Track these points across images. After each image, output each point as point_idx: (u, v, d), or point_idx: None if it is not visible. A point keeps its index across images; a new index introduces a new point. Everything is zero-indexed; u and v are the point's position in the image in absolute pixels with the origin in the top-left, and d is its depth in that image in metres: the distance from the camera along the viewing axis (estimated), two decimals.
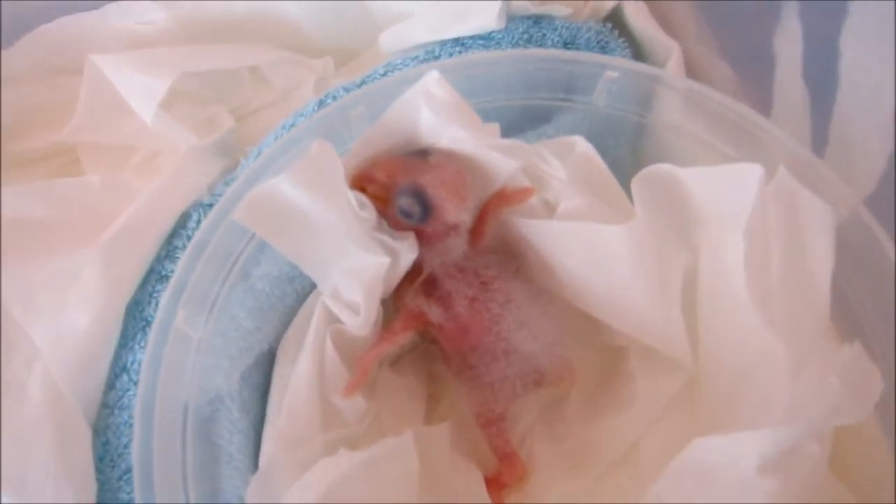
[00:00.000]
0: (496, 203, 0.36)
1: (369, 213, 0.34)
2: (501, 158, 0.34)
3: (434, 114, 0.33)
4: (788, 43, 0.37)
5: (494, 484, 0.36)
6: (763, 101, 0.39)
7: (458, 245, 0.35)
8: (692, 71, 0.44)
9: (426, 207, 0.33)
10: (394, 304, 0.38)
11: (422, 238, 0.35)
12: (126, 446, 0.37)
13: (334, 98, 0.41)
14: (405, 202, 0.33)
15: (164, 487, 0.30)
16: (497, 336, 0.35)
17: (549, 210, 0.37)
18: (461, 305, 0.35)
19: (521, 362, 0.35)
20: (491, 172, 0.35)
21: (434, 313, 0.35)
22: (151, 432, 0.31)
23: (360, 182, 0.34)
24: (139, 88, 0.42)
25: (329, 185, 0.32)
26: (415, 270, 0.36)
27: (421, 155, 0.35)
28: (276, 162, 0.35)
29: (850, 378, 0.28)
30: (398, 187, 0.34)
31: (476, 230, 0.36)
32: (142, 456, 0.31)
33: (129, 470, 0.36)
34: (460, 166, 0.35)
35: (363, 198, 0.34)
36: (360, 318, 0.34)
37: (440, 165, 0.34)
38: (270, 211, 0.32)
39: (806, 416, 0.28)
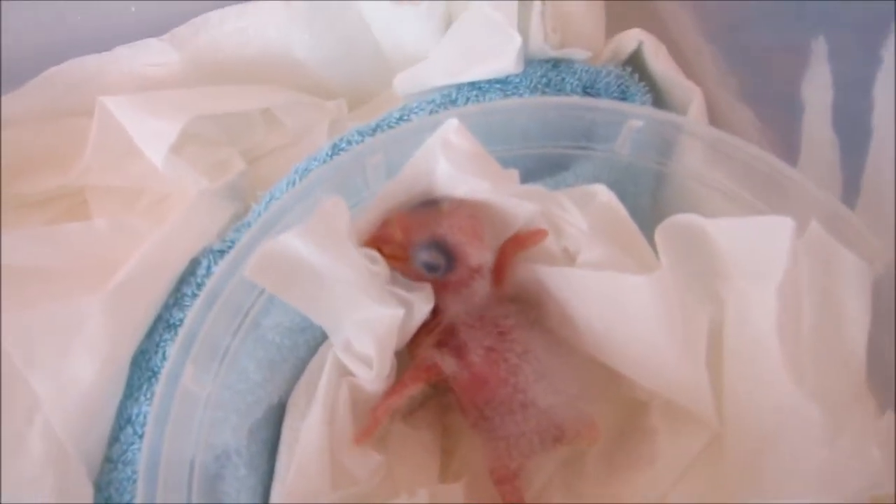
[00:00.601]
0: (512, 247, 0.36)
1: (382, 267, 0.33)
2: (518, 203, 0.34)
3: (451, 164, 0.33)
4: (817, 89, 0.36)
5: None
6: (789, 149, 0.38)
7: (482, 287, 0.34)
8: (713, 115, 0.43)
9: (450, 257, 0.33)
10: (409, 354, 0.37)
11: (445, 287, 0.34)
12: (129, 503, 0.35)
13: (348, 142, 0.41)
14: (428, 255, 0.33)
15: None
16: (514, 388, 0.34)
17: (569, 259, 0.36)
18: (477, 355, 0.34)
19: (539, 416, 0.34)
20: (508, 217, 0.34)
21: (447, 364, 0.34)
22: (155, 491, 0.30)
23: (376, 243, 0.34)
24: (150, 132, 0.42)
25: (340, 241, 0.32)
26: (433, 320, 0.35)
27: (431, 205, 0.34)
28: (290, 212, 0.34)
29: (889, 448, 0.26)
30: (416, 243, 0.33)
31: (495, 277, 0.35)
32: None
33: None
34: (473, 209, 0.34)
35: (375, 254, 0.33)
36: (373, 372, 0.33)
37: (453, 212, 0.34)
38: (282, 267, 0.31)
39: (844, 487, 0.27)
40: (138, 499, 0.30)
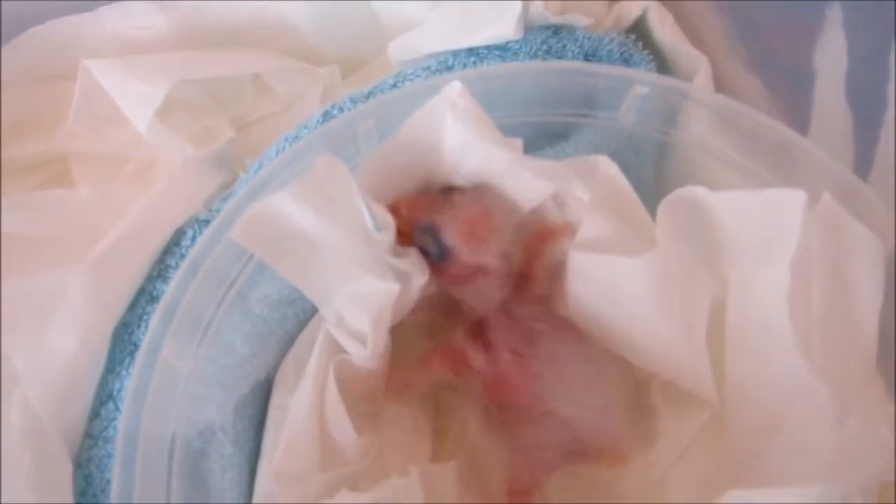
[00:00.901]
0: (538, 243, 0.34)
1: (388, 234, 0.32)
2: (533, 181, 0.32)
3: (463, 127, 0.31)
4: (831, 58, 0.34)
5: None
6: (799, 120, 0.37)
7: (489, 288, 0.33)
8: (720, 85, 0.42)
9: (441, 247, 0.32)
10: (443, 330, 0.36)
11: (451, 278, 0.33)
12: (110, 481, 0.34)
13: (340, 109, 0.39)
14: (421, 239, 0.32)
15: None
16: (535, 397, 0.33)
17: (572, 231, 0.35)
18: (504, 356, 0.33)
19: (559, 429, 0.33)
20: (520, 196, 0.33)
21: (477, 359, 0.33)
22: (134, 468, 0.29)
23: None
24: (134, 96, 0.40)
25: (338, 203, 0.30)
26: (462, 309, 0.34)
27: (446, 192, 0.33)
28: (278, 178, 0.32)
29: None
30: (416, 224, 0.32)
31: (526, 275, 0.34)
32: (123, 494, 0.29)
33: None
34: (486, 205, 0.33)
35: (388, 218, 0.32)
36: (367, 349, 0.32)
37: (461, 204, 0.33)
38: (272, 231, 0.30)
39: (853, 470, 0.26)
40: (115, 475, 0.29)
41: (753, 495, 0.27)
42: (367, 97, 0.39)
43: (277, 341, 0.35)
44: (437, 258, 0.32)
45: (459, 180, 0.33)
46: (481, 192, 0.33)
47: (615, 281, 0.33)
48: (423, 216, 0.32)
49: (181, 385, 0.31)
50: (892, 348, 0.30)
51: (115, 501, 0.29)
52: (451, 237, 0.32)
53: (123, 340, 0.37)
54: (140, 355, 0.29)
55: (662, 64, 0.44)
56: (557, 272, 0.34)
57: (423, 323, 0.37)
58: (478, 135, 0.31)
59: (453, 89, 0.31)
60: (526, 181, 0.32)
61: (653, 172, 0.40)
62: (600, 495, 0.35)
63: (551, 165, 0.33)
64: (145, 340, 0.30)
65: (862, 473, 0.26)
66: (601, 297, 0.33)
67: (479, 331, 0.34)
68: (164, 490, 0.30)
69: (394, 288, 0.31)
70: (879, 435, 0.26)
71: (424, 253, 0.32)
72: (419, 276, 0.32)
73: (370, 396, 0.35)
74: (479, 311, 0.34)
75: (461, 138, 0.32)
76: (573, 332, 0.34)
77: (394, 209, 0.32)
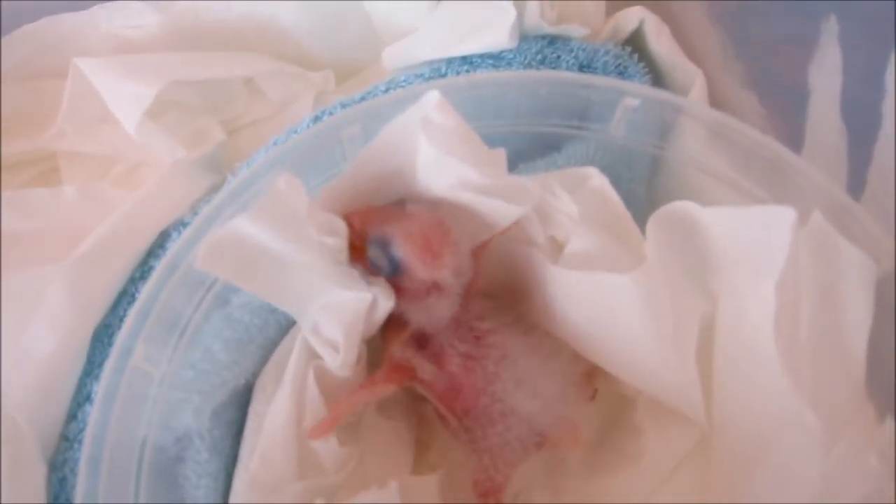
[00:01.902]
0: (483, 245, 0.33)
1: (340, 240, 0.31)
2: (504, 206, 0.31)
3: (433, 145, 0.30)
4: (826, 74, 0.34)
5: None
6: (793, 137, 0.36)
7: (441, 308, 0.32)
8: (716, 101, 0.41)
9: (394, 261, 0.30)
10: (381, 349, 0.34)
11: (402, 293, 0.32)
12: None
13: (330, 114, 0.39)
14: (373, 253, 0.30)
15: None
16: (492, 397, 0.32)
17: (557, 249, 0.34)
18: (454, 363, 0.32)
19: (520, 425, 0.32)
20: (490, 219, 0.32)
21: (426, 370, 0.32)
22: (100, 470, 0.29)
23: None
24: (124, 95, 0.40)
25: (296, 222, 0.29)
26: (404, 323, 0.33)
27: (400, 204, 0.32)
28: (257, 182, 0.32)
29: (889, 457, 0.25)
30: (369, 236, 0.31)
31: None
32: (88, 496, 0.28)
33: None
34: (442, 218, 0.31)
35: (337, 224, 0.31)
36: (339, 357, 0.32)
37: (415, 216, 0.31)
38: (236, 254, 0.29)
39: (840, 496, 0.25)
40: (81, 477, 0.28)
41: None
42: (359, 103, 0.39)
43: (258, 348, 0.35)
44: (389, 273, 0.31)
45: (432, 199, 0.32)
46: (437, 204, 0.32)
47: (603, 297, 0.32)
48: (376, 228, 0.31)
49: (153, 389, 0.30)
50: (891, 370, 0.30)
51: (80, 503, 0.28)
52: (404, 251, 0.30)
53: (103, 342, 0.36)
54: (111, 358, 0.29)
55: (658, 77, 0.43)
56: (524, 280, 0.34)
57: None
58: (449, 154, 0.30)
59: (429, 100, 0.30)
60: (495, 205, 0.31)
61: (645, 189, 0.39)
62: None
63: (525, 185, 0.31)
64: (117, 343, 0.29)
65: (849, 499, 0.25)
66: (588, 314, 0.33)
67: (422, 341, 0.33)
68: (131, 494, 0.30)
69: (365, 297, 0.31)
70: (867, 461, 0.25)
71: (376, 268, 0.31)
72: (384, 298, 0.31)
73: None
74: (426, 329, 0.33)
75: (433, 157, 0.30)
76: (516, 325, 0.34)
77: (347, 220, 0.31)
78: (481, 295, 0.34)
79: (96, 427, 0.28)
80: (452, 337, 0.32)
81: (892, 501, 0.25)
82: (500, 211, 0.31)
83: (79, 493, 0.28)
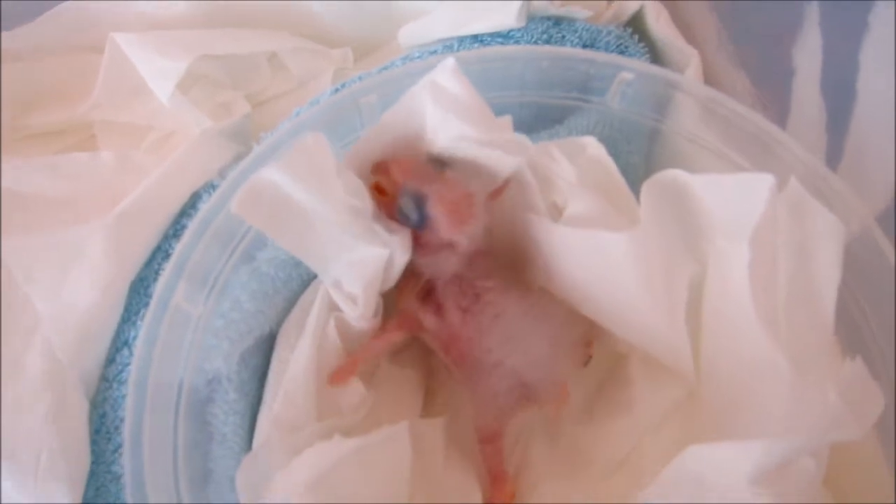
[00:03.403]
0: (487, 201, 0.36)
1: (365, 202, 0.33)
2: (502, 156, 0.34)
3: (438, 106, 0.33)
4: (808, 55, 0.37)
5: None
6: (780, 113, 0.39)
7: (449, 263, 0.35)
8: (710, 80, 0.44)
9: (422, 216, 0.33)
10: (396, 302, 0.37)
11: (418, 245, 0.35)
12: (123, 420, 0.36)
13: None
14: (405, 203, 0.33)
15: (154, 465, 0.30)
16: (484, 350, 0.35)
17: (557, 212, 0.37)
18: (454, 315, 0.35)
19: (509, 377, 0.35)
20: (492, 169, 0.35)
21: (428, 320, 0.35)
22: (144, 409, 0.31)
23: (377, 170, 0.34)
24: (157, 68, 0.43)
25: (324, 178, 0.32)
26: (414, 274, 0.36)
27: (440, 165, 0.35)
28: (282, 146, 0.35)
29: (850, 394, 0.27)
30: (404, 186, 0.33)
31: None
32: (133, 432, 0.31)
33: (123, 444, 0.36)
34: (472, 192, 0.34)
35: (360, 187, 0.33)
36: (358, 309, 0.34)
37: (452, 182, 0.34)
38: (268, 203, 0.32)
39: (803, 430, 0.27)
40: (127, 417, 0.31)
41: (709, 451, 0.29)
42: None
43: (282, 300, 0.38)
44: (415, 224, 0.34)
45: (438, 152, 0.35)
46: (469, 177, 0.34)
47: (599, 255, 0.34)
48: (414, 182, 0.33)
49: (190, 331, 0.33)
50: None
51: (127, 441, 0.31)
52: (436, 211, 0.33)
53: (139, 293, 0.39)
54: (153, 301, 0.32)
55: (656, 57, 0.46)
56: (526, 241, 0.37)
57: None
58: (453, 114, 0.33)
59: (444, 66, 0.33)
60: (494, 157, 0.34)
61: (642, 159, 0.42)
62: (579, 458, 0.37)
63: (519, 140, 0.34)
64: (158, 287, 0.32)
65: (813, 431, 0.27)
66: (586, 271, 0.35)
67: (428, 294, 0.36)
68: (171, 432, 0.32)
69: (383, 253, 0.33)
70: (830, 400, 0.27)
71: (402, 215, 0.34)
72: (401, 251, 0.34)
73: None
74: (431, 277, 0.35)
75: (438, 117, 0.33)
76: (515, 287, 0.36)
77: (384, 167, 0.34)
78: (487, 254, 0.36)
79: (139, 369, 0.31)
80: (455, 291, 0.35)
81: (850, 438, 0.28)
82: (499, 160, 0.34)
83: (126, 432, 0.31)
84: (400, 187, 0.34)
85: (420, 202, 0.33)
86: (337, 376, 0.34)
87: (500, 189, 0.36)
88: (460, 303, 0.35)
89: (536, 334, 0.35)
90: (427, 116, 0.34)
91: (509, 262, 0.38)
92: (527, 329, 0.35)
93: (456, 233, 0.34)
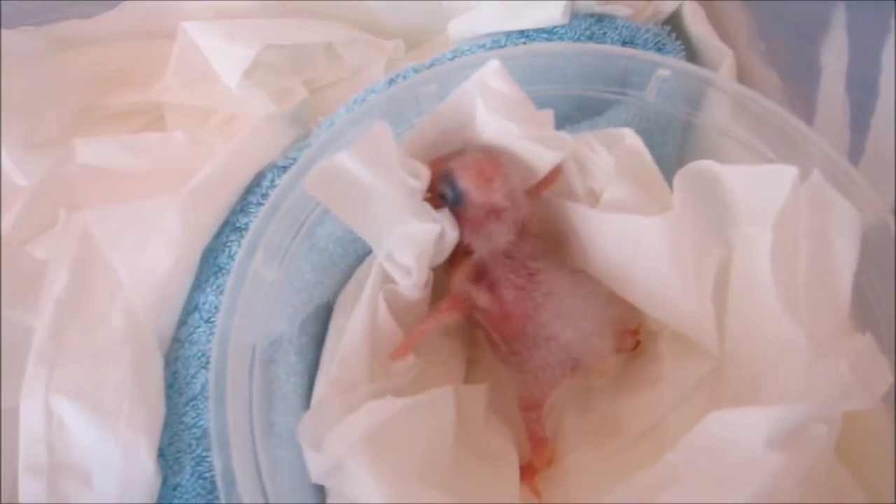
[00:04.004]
0: (536, 187, 0.39)
1: (422, 182, 0.36)
2: (544, 151, 0.36)
3: (486, 105, 0.36)
4: (835, 55, 0.39)
5: (528, 471, 0.38)
6: (808, 110, 0.41)
7: (500, 232, 0.37)
8: (742, 77, 0.46)
9: (455, 189, 0.36)
10: (446, 280, 0.40)
11: (467, 223, 0.37)
12: (193, 377, 0.40)
13: (403, 78, 0.44)
14: (440, 186, 0.36)
15: (235, 415, 0.33)
16: (538, 325, 0.37)
17: (594, 198, 0.39)
18: (508, 293, 0.37)
19: (559, 350, 0.37)
20: (533, 163, 0.37)
21: (481, 298, 0.38)
22: (226, 364, 0.34)
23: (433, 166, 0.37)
24: (226, 56, 0.46)
25: (386, 162, 0.35)
26: (465, 255, 0.38)
27: (459, 153, 0.38)
28: (347, 133, 0.37)
29: (859, 366, 0.30)
30: (437, 175, 0.36)
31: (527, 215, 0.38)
32: (217, 384, 0.34)
33: (193, 398, 0.40)
34: (493, 153, 0.37)
35: (418, 168, 0.36)
36: (411, 279, 0.37)
37: (471, 153, 0.37)
38: (336, 183, 0.35)
39: (815, 397, 0.30)
40: (212, 373, 0.34)
41: (728, 416, 0.32)
42: (429, 68, 0.44)
43: (339, 272, 0.41)
44: (454, 202, 0.36)
45: (484, 143, 0.38)
46: (490, 147, 0.37)
47: (634, 238, 0.37)
48: (441, 168, 0.37)
49: (263, 296, 0.36)
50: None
51: (212, 393, 0.34)
52: (462, 178, 0.36)
53: (209, 262, 0.43)
54: (236, 264, 0.35)
55: (693, 54, 0.48)
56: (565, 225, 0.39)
57: None
58: (499, 112, 0.36)
59: (490, 67, 0.36)
60: (536, 151, 0.37)
61: (676, 150, 0.44)
62: (609, 427, 0.40)
63: (561, 136, 0.37)
64: (240, 252, 0.35)
65: (822, 401, 0.30)
66: (621, 253, 0.38)
67: (480, 275, 0.38)
68: (247, 387, 0.35)
69: (434, 228, 0.36)
70: (840, 369, 0.30)
71: (444, 200, 0.37)
72: (450, 228, 0.37)
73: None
74: (487, 257, 0.38)
75: (487, 116, 0.36)
76: (563, 267, 0.38)
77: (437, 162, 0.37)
78: (535, 237, 0.39)
79: (221, 330, 0.34)
80: (508, 271, 0.37)
81: (859, 407, 0.30)
82: (541, 155, 0.37)
83: (211, 387, 0.34)
84: (435, 178, 0.37)
85: (451, 179, 0.36)
86: (395, 353, 0.37)
87: (549, 179, 0.38)
88: (514, 281, 0.37)
89: (585, 311, 0.37)
90: (476, 111, 0.36)
91: (550, 245, 0.40)
92: (576, 306, 0.37)
93: (487, 192, 0.36)
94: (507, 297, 0.37)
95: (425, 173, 0.36)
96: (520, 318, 0.37)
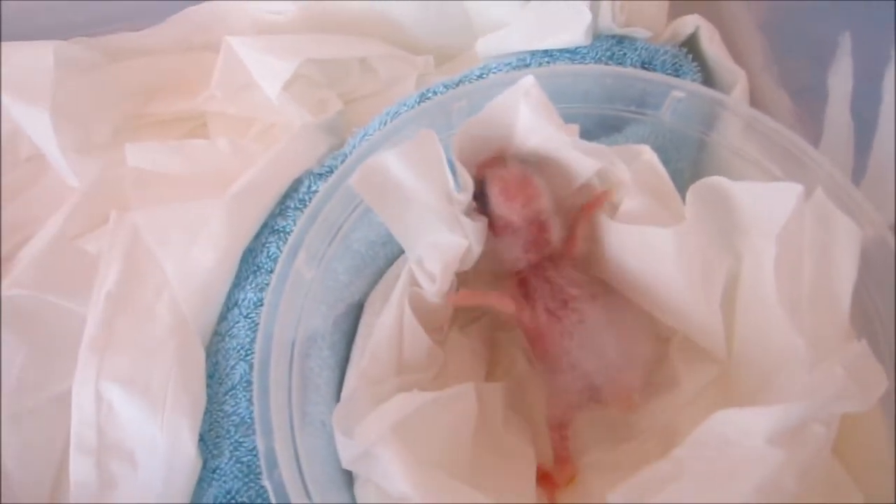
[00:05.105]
0: (584, 212, 0.41)
1: (465, 196, 0.38)
2: (583, 159, 0.39)
3: (532, 111, 0.38)
4: (840, 78, 0.41)
5: (547, 481, 0.40)
6: (815, 131, 0.43)
7: (514, 247, 0.39)
8: (755, 97, 0.48)
9: (483, 197, 0.38)
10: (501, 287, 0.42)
11: (491, 226, 0.39)
12: (232, 368, 0.43)
13: (434, 93, 0.47)
14: (477, 187, 0.39)
15: (276, 403, 0.36)
16: (563, 350, 0.38)
17: (613, 209, 0.41)
18: (542, 315, 0.39)
19: (580, 378, 0.38)
20: (571, 170, 0.40)
21: (525, 312, 0.39)
22: (269, 357, 0.37)
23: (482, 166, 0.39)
24: (267, 69, 0.49)
25: (430, 168, 0.37)
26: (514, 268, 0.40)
27: (501, 160, 0.40)
28: (382, 144, 0.40)
29: (857, 370, 0.32)
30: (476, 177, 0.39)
31: (568, 237, 0.41)
32: (262, 375, 0.36)
33: (232, 388, 0.42)
34: (529, 173, 0.39)
35: (469, 180, 0.38)
36: (435, 286, 0.39)
37: (508, 167, 0.39)
38: (379, 182, 0.37)
39: (814, 399, 0.32)
40: (256, 365, 0.36)
41: (732, 415, 0.34)
42: (458, 84, 0.47)
43: (370, 274, 0.43)
44: (483, 205, 0.39)
45: (526, 152, 0.40)
46: (529, 161, 0.39)
47: (648, 247, 0.39)
48: (481, 172, 0.39)
49: (303, 294, 0.38)
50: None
51: (256, 380, 0.36)
52: (491, 187, 0.38)
53: (248, 262, 0.45)
54: (280, 263, 0.37)
55: (708, 75, 0.50)
56: (593, 237, 0.41)
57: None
58: (542, 119, 0.38)
59: (527, 82, 0.38)
60: (577, 158, 0.39)
61: (690, 167, 0.46)
62: (622, 429, 0.42)
63: (597, 147, 0.39)
64: (284, 251, 0.37)
65: (819, 402, 0.32)
66: (636, 261, 0.40)
67: (524, 288, 0.40)
68: (286, 378, 0.37)
69: (463, 243, 0.38)
70: (837, 372, 0.32)
71: (476, 199, 0.39)
72: (477, 245, 0.39)
73: (437, 329, 0.42)
74: (528, 272, 0.40)
75: (529, 121, 0.38)
76: (601, 298, 0.40)
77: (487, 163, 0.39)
78: (577, 262, 0.40)
79: (265, 327, 0.37)
80: (546, 295, 0.39)
81: (855, 408, 0.32)
82: (581, 162, 0.39)
83: (256, 377, 0.36)
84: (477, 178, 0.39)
85: (483, 185, 0.38)
86: (454, 299, 0.40)
87: (597, 202, 0.40)
88: (549, 305, 0.39)
89: (613, 345, 0.38)
90: (518, 118, 0.39)
91: (594, 275, 0.42)
92: (605, 339, 0.38)
93: (505, 208, 0.38)
94: (541, 319, 0.39)
95: (471, 184, 0.38)
96: (549, 340, 0.39)
